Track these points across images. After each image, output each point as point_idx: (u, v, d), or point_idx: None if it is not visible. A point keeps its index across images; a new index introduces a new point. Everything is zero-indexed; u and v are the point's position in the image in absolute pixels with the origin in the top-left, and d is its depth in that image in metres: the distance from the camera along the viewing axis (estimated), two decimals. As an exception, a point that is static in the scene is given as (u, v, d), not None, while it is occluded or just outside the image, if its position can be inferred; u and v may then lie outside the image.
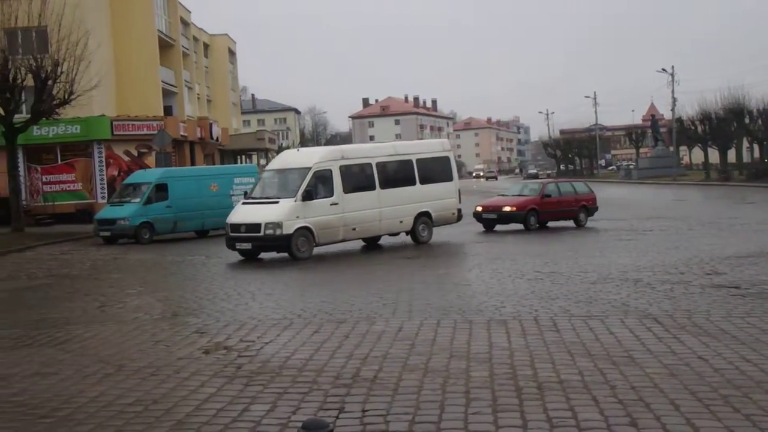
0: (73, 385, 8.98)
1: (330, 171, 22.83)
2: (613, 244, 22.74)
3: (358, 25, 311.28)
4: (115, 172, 42.88)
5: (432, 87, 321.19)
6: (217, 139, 57.45)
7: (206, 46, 71.78)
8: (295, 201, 22.00)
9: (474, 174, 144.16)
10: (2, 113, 33.36)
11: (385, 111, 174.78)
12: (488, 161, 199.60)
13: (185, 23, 62.36)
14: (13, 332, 12.51)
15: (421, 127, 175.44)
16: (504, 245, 23.95)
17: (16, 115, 34.47)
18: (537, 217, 28.75)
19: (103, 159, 43.06)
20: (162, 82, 52.16)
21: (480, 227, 29.16)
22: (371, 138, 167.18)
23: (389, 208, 23.92)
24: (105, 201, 38.69)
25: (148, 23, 51.06)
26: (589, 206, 30.29)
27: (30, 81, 33.66)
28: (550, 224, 29.55)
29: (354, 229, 23.09)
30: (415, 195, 24.69)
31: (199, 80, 66.04)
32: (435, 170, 25.76)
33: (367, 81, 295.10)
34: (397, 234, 25.01)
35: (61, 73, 33.65)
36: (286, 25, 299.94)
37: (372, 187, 23.73)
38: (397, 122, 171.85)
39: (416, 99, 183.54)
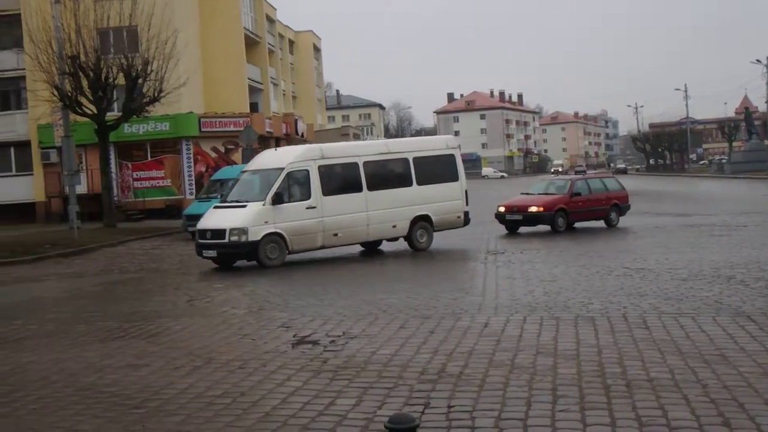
0: (163, 376, 9.16)
1: (307, 171, 20.95)
2: (705, 239, 22.18)
3: (444, 19, 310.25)
4: (203, 168, 43.66)
5: (518, 81, 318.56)
6: (303, 135, 57.98)
7: (291, 42, 72.47)
8: (264, 205, 20.33)
9: (552, 170, 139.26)
10: (95, 111, 34.23)
11: (470, 106, 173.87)
12: (575, 156, 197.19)
13: (271, 20, 63.03)
14: (106, 324, 12.83)
15: (507, 121, 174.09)
16: (584, 244, 23.56)
17: (108, 113, 35.34)
18: (566, 218, 26.38)
19: (191, 155, 43.88)
20: (248, 79, 52.85)
21: (502, 229, 26.97)
22: (456, 133, 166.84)
23: (379, 212, 21.81)
24: (193, 197, 39.42)
25: (234, 21, 51.76)
26: (621, 204, 28.04)
27: (121, 80, 34.46)
28: (578, 225, 27.30)
29: (336, 234, 21.16)
30: (411, 197, 22.54)
31: (284, 77, 66.71)
32: (437, 169, 23.47)
33: (452, 76, 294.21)
34: (396, 239, 22.98)
35: (151, 71, 34.36)
36: (373, 21, 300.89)
37: (358, 189, 21.69)
38: (482, 117, 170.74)
39: (502, 93, 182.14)
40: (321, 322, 12.05)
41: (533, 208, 26.34)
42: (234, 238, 20.09)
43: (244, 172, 22.65)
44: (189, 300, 15.30)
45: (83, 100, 33.98)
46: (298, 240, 20.69)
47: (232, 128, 43.83)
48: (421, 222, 22.69)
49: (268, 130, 48.61)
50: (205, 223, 20.90)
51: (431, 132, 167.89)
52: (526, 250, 21.48)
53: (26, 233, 33.35)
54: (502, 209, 27.06)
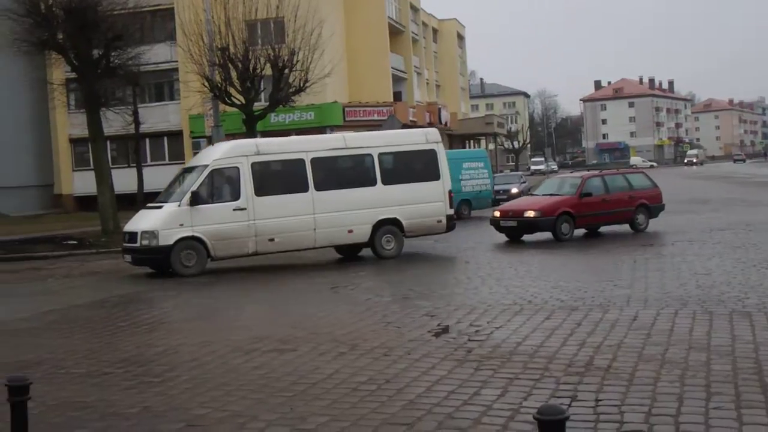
0: (309, 361, 9.28)
1: (237, 169, 18.94)
2: None
3: (592, 3, 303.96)
4: (348, 157, 44.16)
5: (669, 68, 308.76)
6: (446, 124, 57.94)
7: (435, 31, 72.47)
8: (179, 206, 18.53)
9: (686, 161, 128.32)
10: (243, 102, 35.07)
11: (618, 93, 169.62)
12: (729, 145, 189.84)
13: (414, 9, 63.20)
14: (253, 309, 13.17)
15: (657, 109, 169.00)
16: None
17: (256, 104, 36.15)
18: (573, 223, 22.14)
19: (336, 144, 44.45)
20: (392, 68, 53.21)
21: (501, 237, 23.25)
22: (603, 122, 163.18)
23: (329, 215, 19.41)
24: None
25: (379, 11, 52.18)
26: (650, 205, 23.76)
27: (268, 70, 35.15)
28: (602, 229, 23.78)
29: (272, 240, 18.98)
30: (374, 198, 19.93)
31: (428, 65, 66.80)
32: (412, 167, 20.96)
33: (600, 62, 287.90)
34: (359, 247, 20.63)
35: (297, 62, 34.92)
36: (519, 7, 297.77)
37: (303, 189, 19.32)
38: (630, 105, 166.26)
39: (651, 80, 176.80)
40: (465, 312, 11.97)
41: (530, 213, 22.09)
42: (145, 242, 18.45)
43: (183, 169, 20.80)
44: (333, 287, 15.49)
45: (232, 91, 34.86)
46: (222, 245, 18.69)
47: (375, 117, 44.22)
48: (388, 226, 20.01)
49: (411, 119, 48.80)
50: (128, 225, 19.54)
51: (577, 120, 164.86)
52: (678, 241, 20.71)
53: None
54: (497, 214, 23.28)
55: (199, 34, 35.03)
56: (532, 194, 24.82)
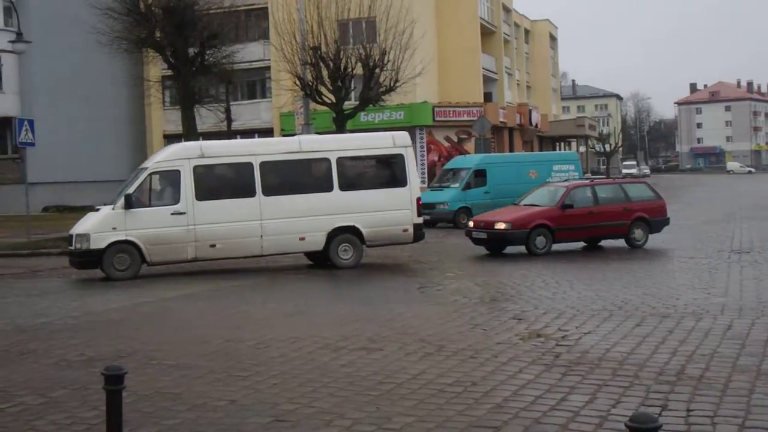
0: (396, 361, 9.28)
1: (177, 172, 18.46)
2: None
3: (687, 5, 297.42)
4: (436, 158, 44.17)
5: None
6: (537, 126, 57.41)
7: (527, 32, 71.92)
8: (113, 209, 18.27)
9: (728, 170, 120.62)
10: (334, 101, 35.36)
11: (714, 97, 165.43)
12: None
13: (507, 9, 62.80)
14: (341, 308, 13.22)
15: (755, 114, 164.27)
16: None
17: (346, 103, 36.40)
18: (551, 237, 20.41)
19: (425, 144, 44.48)
20: (483, 68, 52.95)
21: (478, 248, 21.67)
22: (698, 126, 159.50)
23: (278, 221, 18.68)
24: (425, 186, 39.96)
25: (471, 11, 51.99)
26: (649, 218, 21.51)
27: (359, 70, 35.37)
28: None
29: (214, 245, 18.43)
30: (329, 204, 19.02)
31: (519, 66, 66.31)
32: (376, 172, 20.27)
33: (695, 65, 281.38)
34: (322, 256, 19.43)
35: (388, 61, 35.04)
36: (611, 8, 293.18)
37: (249, 194, 18.71)
38: (727, 109, 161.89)
39: (749, 84, 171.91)
40: (554, 316, 11.84)
41: (500, 225, 20.46)
42: (78, 245, 18.27)
43: (138, 169, 20.03)
44: (420, 287, 15.48)
45: (323, 90, 35.20)
46: (158, 250, 18.25)
47: (465, 118, 44.07)
48: (344, 235, 19.08)
49: (501, 120, 48.50)
50: (73, 227, 19.08)
51: (671, 124, 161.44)
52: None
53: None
54: (471, 224, 21.82)
55: (292, 33, 35.46)
56: (515, 204, 22.73)
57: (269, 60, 44.87)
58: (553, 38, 79.18)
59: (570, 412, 7.25)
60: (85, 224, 18.65)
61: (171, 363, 9.50)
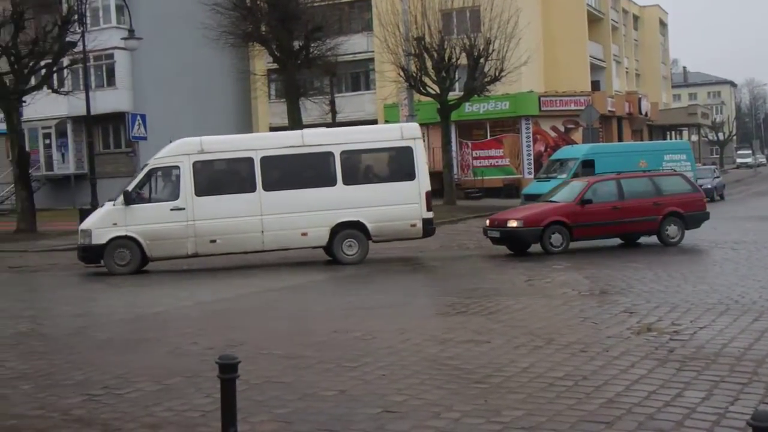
0: (504, 354, 9.18)
1: (177, 168, 18.61)
2: None
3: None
4: (542, 148, 43.64)
5: None
6: (646, 114, 56.16)
7: (636, 18, 70.32)
8: (114, 205, 18.60)
9: None
10: (438, 91, 35.33)
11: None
12: None
13: (615, -4, 61.56)
14: (447, 299, 13.17)
15: None
16: None
17: (450, 93, 36.31)
18: (569, 235, 19.36)
19: (531, 135, 44.01)
20: (590, 56, 52.03)
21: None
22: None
23: (280, 216, 18.53)
24: (531, 176, 39.55)
25: (577, -2, 51.15)
26: (684, 213, 20.01)
27: (463, 60, 35.25)
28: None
29: (214, 241, 18.50)
30: (332, 199, 18.72)
31: (627, 54, 64.94)
32: (382, 166, 19.83)
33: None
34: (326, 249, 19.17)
35: (493, 51, 34.82)
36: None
37: (249, 189, 18.67)
38: None
39: None
40: (667, 309, 11.51)
41: (512, 223, 19.50)
42: (82, 241, 18.71)
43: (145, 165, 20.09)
44: (528, 279, 15.30)
45: (427, 81, 35.21)
46: (158, 246, 18.48)
47: (572, 107, 43.39)
48: (349, 230, 18.77)
49: (609, 109, 47.58)
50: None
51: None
52: None
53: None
54: (487, 222, 20.78)
55: (395, 25, 35.56)
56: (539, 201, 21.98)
57: (373, 52, 45.07)
58: (663, 24, 77.21)
59: (686, 408, 7.03)
60: (90, 220, 19.12)
61: (280, 353, 9.62)
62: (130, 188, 18.67)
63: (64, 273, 20.00)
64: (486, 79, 35.26)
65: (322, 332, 10.79)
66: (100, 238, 18.46)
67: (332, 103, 44.24)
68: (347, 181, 18.92)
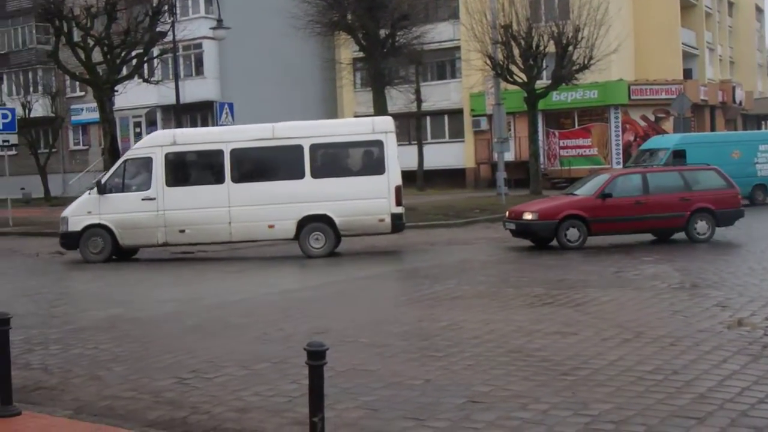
0: (591, 346, 9.04)
1: (149, 159, 19.07)
2: None
3: None
4: (631, 138, 42.88)
5: None
6: (740, 104, 54.67)
7: (731, 4, 68.35)
8: (89, 194, 19.37)
9: None
10: (525, 80, 34.93)
11: None
12: None
13: (707, -19, 59.98)
14: (533, 290, 13.03)
15: None
16: None
17: (538, 82, 35.87)
18: (586, 229, 18.75)
19: (620, 124, 43.26)
20: (682, 44, 50.80)
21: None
22: None
23: (247, 208, 18.72)
24: (620, 166, 38.87)
25: (670, -16, 49.97)
26: (716, 210, 19.13)
27: (551, 48, 34.75)
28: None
29: (183, 231, 18.91)
30: (300, 192, 18.69)
31: (721, 41, 63.19)
32: (352, 160, 19.71)
33: None
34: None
35: (582, 38, 34.24)
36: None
37: (218, 180, 18.94)
38: None
39: None
40: (761, 304, 11.19)
41: (527, 215, 19.20)
42: (61, 228, 19.51)
43: None
44: (616, 271, 15.03)
45: (514, 69, 34.84)
46: (129, 234, 19.07)
47: (663, 96, 42.48)
48: (315, 223, 18.75)
49: (702, 98, 46.44)
50: None
51: None
52: None
53: (457, 198, 35.15)
54: (507, 213, 20.43)
55: (482, 12, 35.26)
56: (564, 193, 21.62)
57: (459, 40, 44.78)
58: (759, 10, 74.91)
59: (782, 406, 6.84)
60: (68, 208, 19.93)
61: (366, 341, 9.65)
62: (104, 178, 19.41)
63: (150, 259, 20.43)
64: (574, 68, 34.70)
65: (408, 321, 10.79)
66: (75, 225, 19.24)
67: (418, 92, 44.19)
68: (315, 175, 18.91)
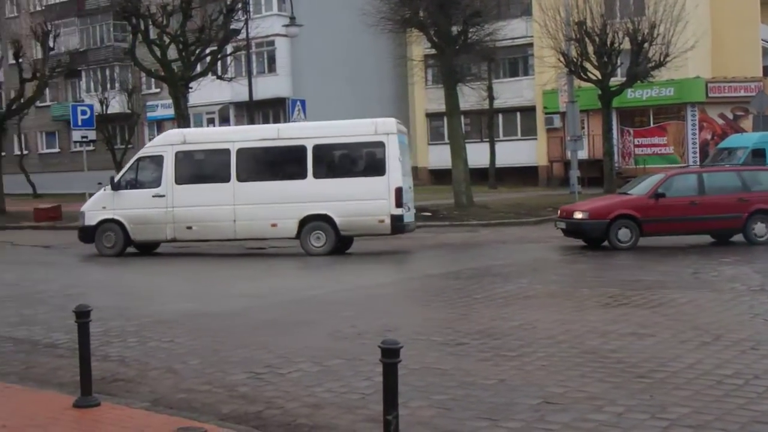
0: (669, 348, 8.86)
1: (161, 158, 19.86)
2: None
3: None
4: (708, 136, 42.02)
5: None
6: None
7: (812, -1, 66.53)
8: (105, 190, 20.29)
9: None
10: (599, 77, 34.48)
11: None
12: None
13: (791, -24, 58.41)
14: (608, 290, 12.83)
15: None
16: None
17: (612, 79, 35.36)
18: (638, 230, 18.44)
19: (696, 122, 42.41)
20: (762, 40, 49.54)
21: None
22: None
23: (251, 207, 19.18)
24: (697, 165, 38.12)
25: (749, -20, 48.80)
26: None
27: (626, 44, 34.23)
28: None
29: (190, 228, 19.53)
30: (301, 192, 19.04)
31: (802, 37, 61.53)
32: (353, 160, 19.80)
33: None
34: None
35: (658, 35, 33.67)
36: None
37: (224, 179, 19.45)
38: None
39: None
40: None
41: (578, 214, 19.01)
42: (79, 222, 20.58)
43: None
44: (694, 272, 14.71)
45: (588, 66, 34.43)
46: (140, 229, 19.80)
47: (742, 93, 41.50)
48: (316, 222, 19.01)
49: (782, 95, 45.25)
50: None
51: None
52: None
53: (529, 196, 34.87)
54: (559, 212, 20.32)
55: (556, 9, 34.93)
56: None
57: (532, 36, 44.35)
58: (841, 5, 72.79)
59: None
60: (86, 203, 20.91)
61: (438, 339, 9.62)
62: (119, 175, 20.45)
63: (223, 255, 20.68)
64: (650, 65, 34.13)
65: (481, 320, 10.72)
66: (91, 219, 20.17)
67: (490, 89, 43.92)
68: (317, 175, 19.22)
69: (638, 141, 43.63)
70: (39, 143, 59.24)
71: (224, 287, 14.98)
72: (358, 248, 19.80)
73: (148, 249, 20.73)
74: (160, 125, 51.05)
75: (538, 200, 32.15)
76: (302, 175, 19.26)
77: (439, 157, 46.43)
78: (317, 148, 19.33)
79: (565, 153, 40.24)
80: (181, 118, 32.69)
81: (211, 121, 48.55)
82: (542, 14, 35.95)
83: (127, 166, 20.77)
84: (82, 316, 7.16)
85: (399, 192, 18.80)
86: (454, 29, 31.34)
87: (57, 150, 56.57)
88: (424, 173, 51.05)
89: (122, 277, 17.31)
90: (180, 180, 19.81)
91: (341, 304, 12.43)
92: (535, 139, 46.97)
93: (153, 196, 19.78)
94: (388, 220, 18.86)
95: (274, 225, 19.24)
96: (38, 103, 47.09)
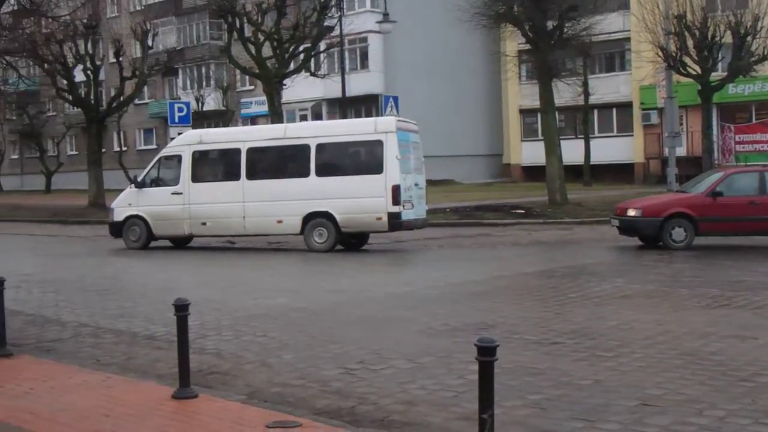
0: (773, 352, 8.58)
1: (180, 157, 20.89)
2: None
3: None
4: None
5: None
6: None
7: None
8: (130, 188, 21.59)
9: None
10: (699, 72, 33.64)
11: None
12: None
13: None
14: (708, 291, 12.49)
15: None
16: None
17: (712, 74, 34.45)
18: (694, 229, 17.89)
19: (801, 118, 41.10)
20: None
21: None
22: None
23: (258, 204, 19.80)
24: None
25: None
26: None
27: (728, 38, 33.31)
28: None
29: (204, 224, 20.43)
30: (304, 190, 19.48)
31: None
32: (353, 159, 19.93)
33: None
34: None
35: (761, 28, 32.66)
36: None
37: (235, 177, 20.19)
38: None
39: None
40: None
41: (631, 212, 18.66)
42: (109, 218, 21.83)
43: None
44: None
45: (687, 60, 33.62)
46: (160, 225, 20.83)
47: None
48: (319, 219, 19.40)
49: None
50: None
51: None
52: None
53: (625, 193, 34.14)
54: (614, 210, 19.97)
55: (654, 2, 34.22)
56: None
57: (629, 31, 43.58)
58: None
59: None
60: (115, 200, 22.12)
61: (533, 338, 9.49)
62: (144, 174, 21.51)
63: (314, 250, 20.83)
64: (753, 59, 33.13)
65: (576, 319, 10.54)
66: (119, 215, 21.44)
67: (585, 85, 43.32)
68: (320, 173, 19.61)
69: (739, 138, 42.46)
70: (137, 140, 60.88)
71: (317, 283, 15.05)
72: (449, 244, 19.70)
73: (181, 243, 21.73)
74: (254, 122, 51.90)
75: (633, 198, 31.45)
76: (306, 173, 19.76)
77: (532, 153, 46.02)
78: (320, 147, 19.78)
79: (663, 150, 39.42)
80: (275, 115, 33.10)
81: (303, 118, 49.05)
82: (640, 8, 35.24)
83: (150, 165, 21.78)
84: (181, 309, 7.28)
85: (396, 190, 18.98)
86: (550, 24, 30.96)
87: (154, 146, 57.92)
88: (516, 170, 50.68)
89: (227, 272, 17.50)
90: (196, 178, 20.78)
91: (433, 300, 12.39)
92: (632, 135, 46.11)
93: (172, 194, 20.87)
94: (385, 218, 19.13)
95: (279, 221, 19.88)
96: (136, 101, 48.31)
